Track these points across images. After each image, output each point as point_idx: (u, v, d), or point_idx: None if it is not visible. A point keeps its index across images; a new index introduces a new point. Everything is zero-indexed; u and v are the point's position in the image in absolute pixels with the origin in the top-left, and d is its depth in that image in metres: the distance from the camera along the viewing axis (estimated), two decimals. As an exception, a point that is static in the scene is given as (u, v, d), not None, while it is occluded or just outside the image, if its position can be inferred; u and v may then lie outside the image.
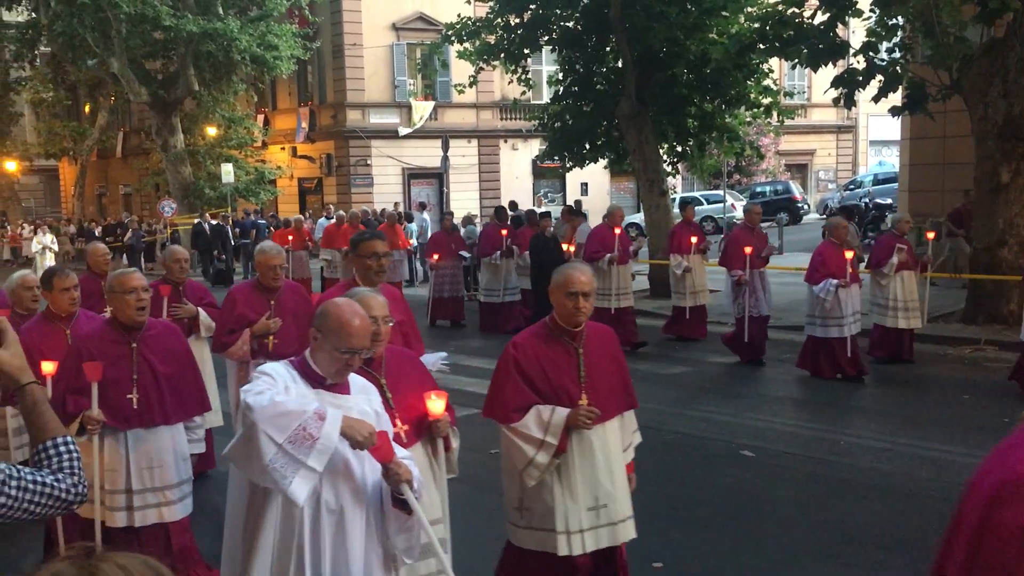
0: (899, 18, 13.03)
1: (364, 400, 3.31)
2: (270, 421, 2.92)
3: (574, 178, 30.55)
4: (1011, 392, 9.28)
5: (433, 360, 4.82)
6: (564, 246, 13.49)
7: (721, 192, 29.54)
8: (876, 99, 13.02)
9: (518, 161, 33.17)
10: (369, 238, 5.07)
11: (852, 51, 13.29)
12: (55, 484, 2.29)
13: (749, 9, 16.04)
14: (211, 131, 31.19)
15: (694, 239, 12.75)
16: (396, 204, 27.14)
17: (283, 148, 32.78)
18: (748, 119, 18.57)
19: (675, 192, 29.79)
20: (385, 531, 3.20)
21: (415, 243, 20.59)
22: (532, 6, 16.84)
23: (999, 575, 1.46)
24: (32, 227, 32.76)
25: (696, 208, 18.70)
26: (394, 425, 3.62)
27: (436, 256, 15.08)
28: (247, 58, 27.05)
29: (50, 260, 26.60)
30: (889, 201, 24.11)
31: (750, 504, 6.49)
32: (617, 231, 12.31)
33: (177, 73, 28.80)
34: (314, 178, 32.74)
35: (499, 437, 4.23)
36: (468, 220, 20.00)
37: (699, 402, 9.54)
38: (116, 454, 4.80)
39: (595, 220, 17.85)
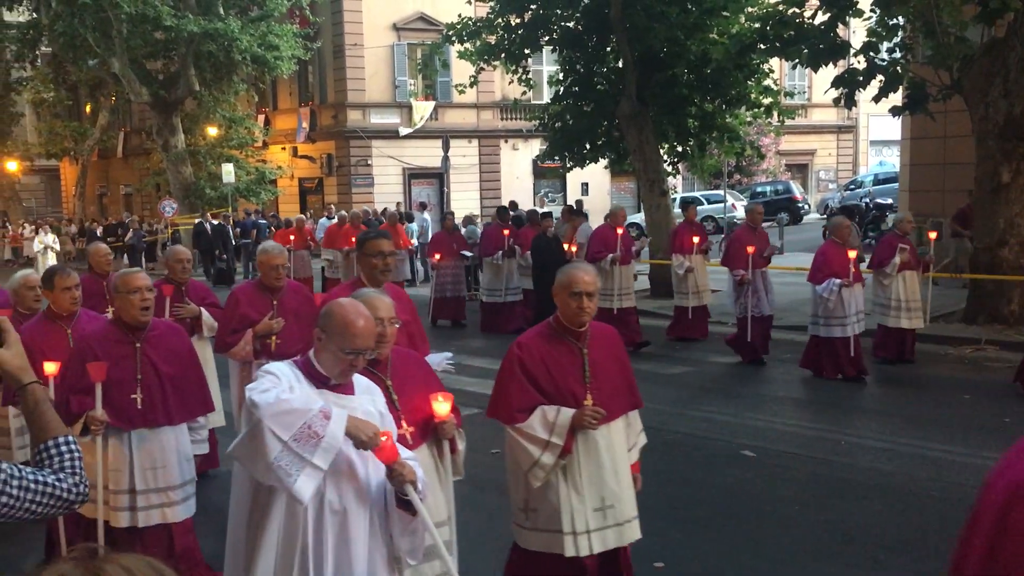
0: (900, 18, 13.03)
1: (368, 401, 3.31)
2: (275, 419, 2.93)
3: (575, 178, 30.55)
4: (1011, 392, 9.28)
5: (438, 360, 4.82)
6: (565, 246, 13.49)
7: (721, 192, 29.53)
8: (877, 99, 13.02)
9: (519, 161, 33.18)
10: (375, 237, 5.04)
11: (853, 51, 13.29)
12: (57, 484, 2.29)
13: (750, 9, 16.05)
14: (212, 131, 31.20)
15: (696, 239, 12.75)
16: (398, 204, 27.16)
17: (284, 148, 32.79)
18: (748, 119, 18.57)
19: (675, 192, 29.80)
20: (389, 532, 3.20)
21: (416, 243, 20.60)
22: (532, 6, 16.84)
23: (1018, 575, 1.46)
24: (33, 227, 32.79)
25: (697, 208, 18.69)
26: (400, 427, 3.61)
27: (438, 256, 15.08)
28: (248, 58, 27.06)
29: (52, 260, 26.63)
30: (890, 201, 24.11)
31: (751, 504, 6.49)
32: (619, 231, 12.33)
33: (178, 73, 28.82)
34: (315, 178, 32.75)
35: (500, 437, 4.23)
36: (469, 220, 20.01)
37: (700, 402, 9.55)
38: (120, 454, 4.80)
39: (595, 220, 17.88)
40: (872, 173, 33.42)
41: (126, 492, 4.79)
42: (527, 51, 17.55)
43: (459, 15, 17.78)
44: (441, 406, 3.73)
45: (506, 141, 33.00)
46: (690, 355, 11.94)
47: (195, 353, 5.32)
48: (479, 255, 15.53)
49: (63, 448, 2.37)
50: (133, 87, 27.84)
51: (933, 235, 11.87)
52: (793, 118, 23.40)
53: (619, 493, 4.13)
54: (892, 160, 34.01)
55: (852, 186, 32.65)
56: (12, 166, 39.39)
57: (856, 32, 16.91)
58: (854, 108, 19.39)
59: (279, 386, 3.08)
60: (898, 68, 12.97)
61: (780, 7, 13.44)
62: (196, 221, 25.17)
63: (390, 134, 31.07)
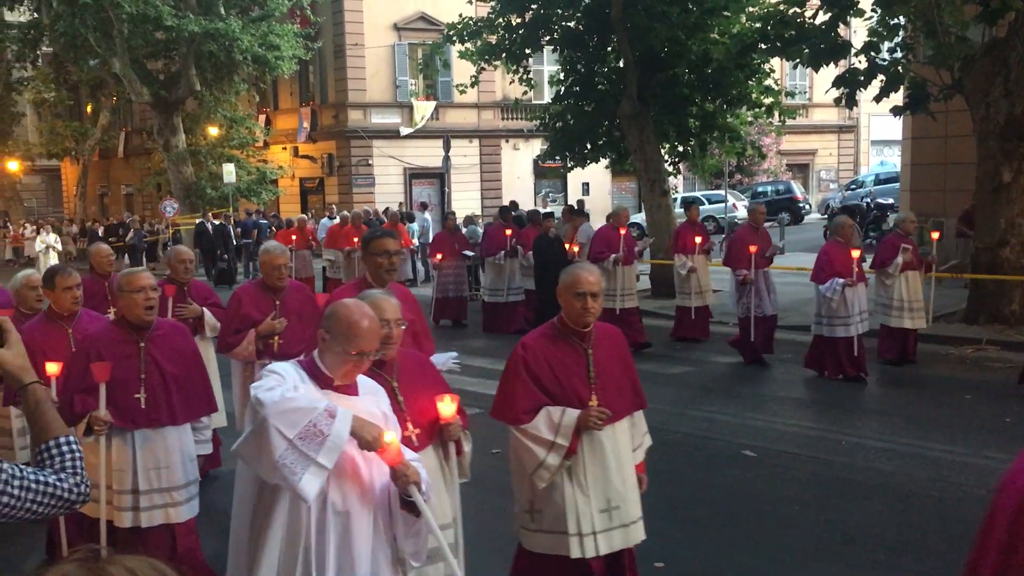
0: (901, 18, 13.03)
1: (372, 402, 3.31)
2: (281, 416, 2.93)
3: (575, 178, 30.56)
4: (1012, 392, 9.28)
5: (443, 360, 4.81)
6: (567, 246, 13.49)
7: (722, 192, 29.53)
8: (878, 99, 13.02)
9: (519, 161, 33.18)
10: (381, 236, 5.03)
11: (854, 51, 13.28)
12: (58, 484, 2.30)
13: (751, 9, 16.05)
14: (213, 131, 31.21)
15: (698, 239, 12.75)
16: (400, 204, 27.18)
17: (285, 148, 32.80)
18: (749, 119, 18.57)
19: (676, 192, 29.78)
20: (393, 534, 3.20)
21: (416, 243, 20.60)
22: (533, 6, 16.85)
23: None
24: (34, 227, 32.81)
25: (699, 208, 18.69)
26: (406, 429, 3.60)
27: (439, 256, 15.09)
28: (249, 58, 27.07)
29: (54, 259, 26.63)
30: (891, 201, 24.11)
31: (751, 504, 6.50)
32: (622, 231, 12.33)
33: (179, 73, 28.83)
34: (315, 178, 32.76)
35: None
36: (470, 220, 20.01)
37: (701, 402, 9.55)
38: (123, 454, 4.80)
39: (596, 220, 17.89)
40: (873, 173, 33.40)
41: (129, 492, 4.79)
42: (528, 51, 17.56)
43: (460, 15, 17.79)
44: (447, 407, 3.71)
45: (507, 141, 33.01)
46: (691, 355, 11.95)
47: (199, 353, 5.31)
48: (480, 255, 15.53)
49: (64, 448, 2.37)
50: (134, 87, 27.85)
51: (936, 235, 11.86)
52: (794, 118, 23.40)
53: (624, 494, 4.12)
54: (893, 160, 34.00)
55: (853, 186, 32.63)
56: (13, 166, 39.40)
57: (857, 32, 16.92)
58: (855, 108, 19.42)
59: (284, 385, 3.08)
60: (899, 68, 12.96)
61: (781, 7, 13.44)
62: (197, 221, 25.18)
63: (391, 134, 31.07)
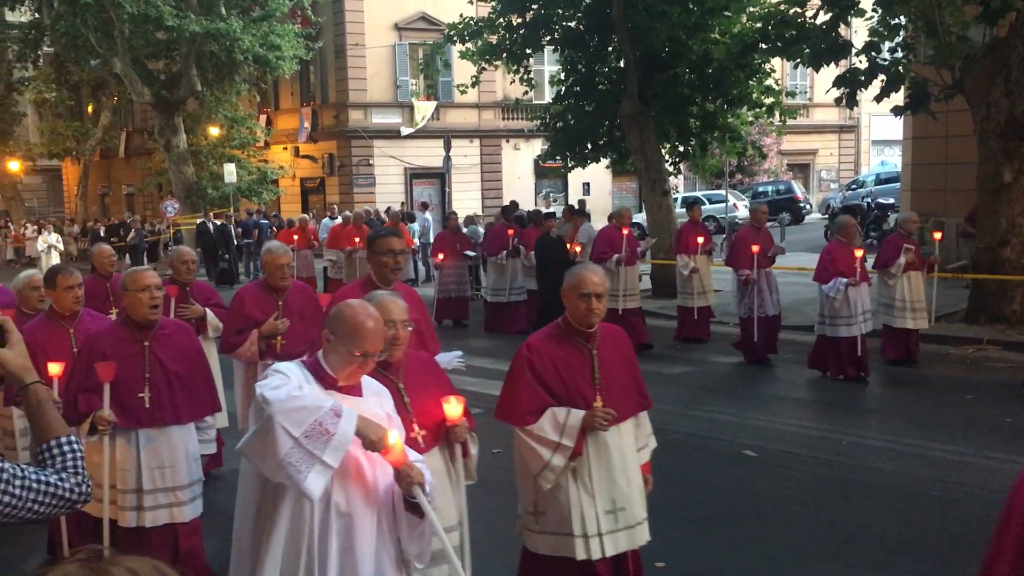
0: (901, 18, 13.03)
1: (376, 403, 3.31)
2: (287, 415, 2.93)
3: (576, 178, 30.56)
4: (1013, 392, 9.29)
5: (448, 359, 4.81)
6: (568, 246, 13.48)
7: (723, 192, 29.52)
8: (878, 99, 13.02)
9: (520, 161, 33.18)
10: (386, 235, 5.02)
11: (854, 51, 13.28)
12: (59, 484, 2.30)
13: (751, 9, 16.06)
14: (214, 131, 31.22)
15: (700, 239, 12.75)
16: (401, 204, 27.18)
17: (285, 148, 32.81)
18: (750, 119, 18.57)
19: (677, 192, 29.79)
20: (397, 535, 3.20)
21: (417, 243, 20.61)
22: (534, 6, 16.85)
23: None
24: (36, 227, 32.82)
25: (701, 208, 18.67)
26: (411, 430, 3.60)
27: (441, 256, 15.08)
28: (250, 58, 27.07)
29: (55, 259, 26.64)
30: (891, 201, 24.11)
31: (752, 504, 6.50)
32: (625, 232, 12.33)
33: (180, 73, 28.84)
34: (316, 178, 32.77)
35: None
36: (471, 220, 20.01)
37: (702, 402, 9.55)
38: (127, 453, 4.80)
39: (597, 220, 17.89)
40: (874, 173, 33.40)
41: (133, 492, 4.79)
42: (528, 51, 17.56)
43: (460, 15, 17.80)
44: (453, 408, 3.69)
45: (508, 141, 33.01)
46: (692, 355, 11.95)
47: (203, 353, 5.31)
48: (482, 255, 15.53)
49: (65, 448, 2.37)
50: (135, 87, 27.85)
51: (938, 236, 11.85)
52: (795, 118, 23.39)
53: (630, 495, 4.10)
54: (894, 160, 33.99)
55: (854, 186, 32.63)
56: (14, 166, 39.40)
57: (858, 32, 16.90)
58: (856, 108, 19.42)
59: (289, 384, 3.08)
60: (900, 68, 12.96)
61: (782, 7, 13.44)
62: (199, 221, 25.19)
63: (392, 134, 31.08)
